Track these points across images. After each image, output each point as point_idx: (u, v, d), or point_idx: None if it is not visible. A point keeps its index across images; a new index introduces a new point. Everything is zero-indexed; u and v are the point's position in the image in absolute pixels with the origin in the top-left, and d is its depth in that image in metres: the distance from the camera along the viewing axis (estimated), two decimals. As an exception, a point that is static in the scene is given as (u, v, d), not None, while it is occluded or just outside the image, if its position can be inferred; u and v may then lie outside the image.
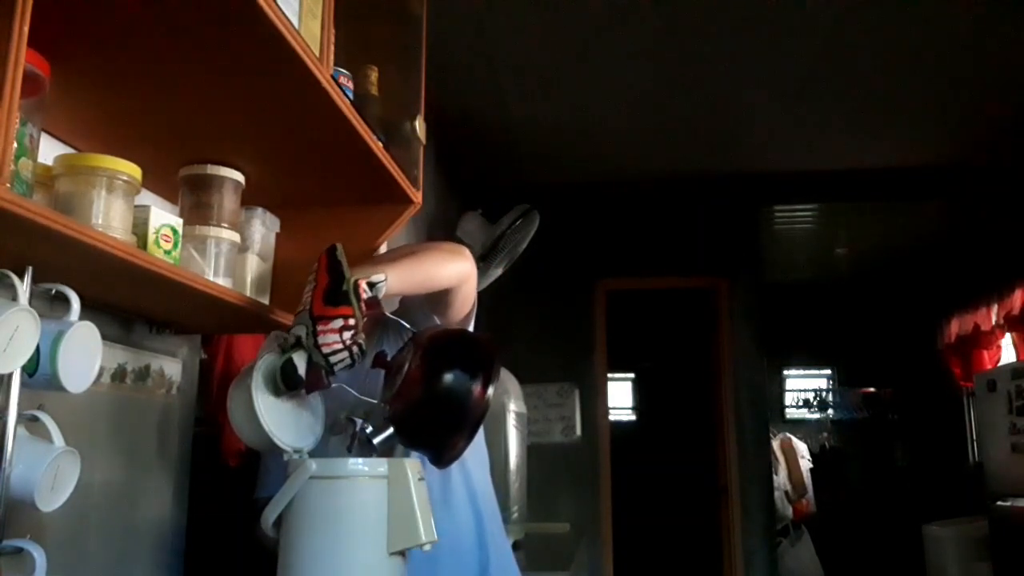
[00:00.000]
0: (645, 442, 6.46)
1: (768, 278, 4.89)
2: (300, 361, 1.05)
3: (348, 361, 1.05)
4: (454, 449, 1.18)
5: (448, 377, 1.14)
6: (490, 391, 1.14)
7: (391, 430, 1.12)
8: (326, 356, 1.04)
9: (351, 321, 1.04)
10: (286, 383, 1.07)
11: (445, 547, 1.29)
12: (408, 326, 1.24)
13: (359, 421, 1.14)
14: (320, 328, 1.03)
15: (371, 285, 1.10)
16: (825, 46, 3.00)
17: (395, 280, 1.15)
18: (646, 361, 6.96)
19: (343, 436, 1.18)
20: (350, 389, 1.18)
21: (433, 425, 1.15)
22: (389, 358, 1.20)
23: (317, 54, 1.09)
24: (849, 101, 3.50)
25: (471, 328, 1.41)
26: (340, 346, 1.04)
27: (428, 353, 1.15)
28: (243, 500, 1.43)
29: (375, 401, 1.17)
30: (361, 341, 1.06)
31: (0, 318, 0.84)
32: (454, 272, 1.30)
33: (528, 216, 3.33)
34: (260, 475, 1.44)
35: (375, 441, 1.11)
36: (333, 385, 1.09)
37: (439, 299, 1.32)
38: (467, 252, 1.34)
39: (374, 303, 1.10)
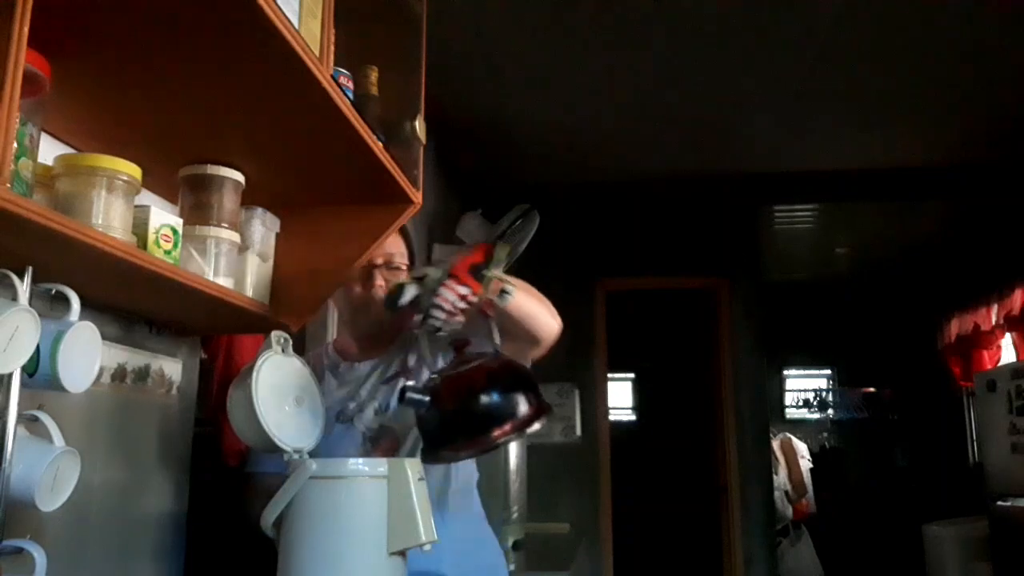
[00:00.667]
0: (645, 442, 6.46)
1: (768, 278, 4.89)
2: (409, 293, 1.14)
3: (440, 324, 1.13)
4: (455, 453, 1.19)
5: (501, 398, 1.16)
6: (509, 438, 1.15)
7: (428, 399, 1.14)
8: (432, 305, 1.12)
9: (472, 298, 1.14)
10: (387, 302, 1.16)
11: (443, 552, 1.29)
12: (497, 342, 1.26)
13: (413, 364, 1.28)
14: (449, 282, 1.13)
15: (504, 292, 1.19)
16: (825, 46, 3.00)
17: (517, 301, 1.23)
18: (646, 361, 6.94)
19: (354, 413, 1.32)
20: (421, 339, 1.28)
21: (458, 422, 1.16)
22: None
23: (317, 54, 1.09)
24: (849, 101, 3.50)
25: None
26: (449, 307, 1.12)
27: (502, 368, 1.19)
28: (236, 483, 1.45)
29: (431, 370, 1.26)
30: (462, 320, 1.13)
31: (0, 318, 0.84)
32: (552, 330, 1.35)
33: (528, 216, 3.30)
34: (250, 451, 1.46)
35: (408, 395, 1.14)
36: (414, 329, 1.18)
37: (523, 341, 1.34)
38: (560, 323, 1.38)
39: (490, 306, 1.18)
